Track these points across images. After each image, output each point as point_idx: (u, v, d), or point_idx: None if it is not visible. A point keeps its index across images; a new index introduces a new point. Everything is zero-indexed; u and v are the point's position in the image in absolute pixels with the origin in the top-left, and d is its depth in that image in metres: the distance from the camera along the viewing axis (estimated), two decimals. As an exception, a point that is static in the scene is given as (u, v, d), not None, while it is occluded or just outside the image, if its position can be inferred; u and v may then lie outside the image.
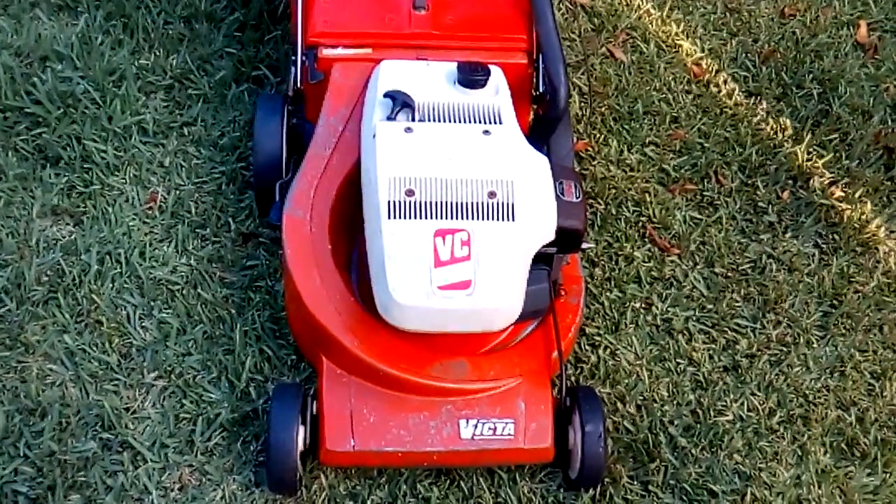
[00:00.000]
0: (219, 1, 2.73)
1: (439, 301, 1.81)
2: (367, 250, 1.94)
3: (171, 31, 2.68)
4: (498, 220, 1.86)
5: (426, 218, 1.85)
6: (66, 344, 2.11)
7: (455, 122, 1.99)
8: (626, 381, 2.20)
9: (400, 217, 1.84)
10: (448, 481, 2.03)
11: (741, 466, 2.09)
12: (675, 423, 2.14)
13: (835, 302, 2.39)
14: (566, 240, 2.00)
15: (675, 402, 2.18)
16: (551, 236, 1.96)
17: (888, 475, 2.11)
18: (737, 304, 2.35)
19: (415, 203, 1.86)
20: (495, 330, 1.90)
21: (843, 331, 2.34)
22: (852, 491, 2.08)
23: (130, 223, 2.34)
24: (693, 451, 2.10)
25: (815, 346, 2.31)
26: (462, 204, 1.87)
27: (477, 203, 1.87)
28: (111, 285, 2.23)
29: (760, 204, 2.56)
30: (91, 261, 2.25)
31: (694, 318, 2.32)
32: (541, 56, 2.22)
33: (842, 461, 2.13)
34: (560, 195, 1.99)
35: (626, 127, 2.68)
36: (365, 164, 1.99)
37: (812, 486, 2.07)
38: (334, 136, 2.13)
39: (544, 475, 2.04)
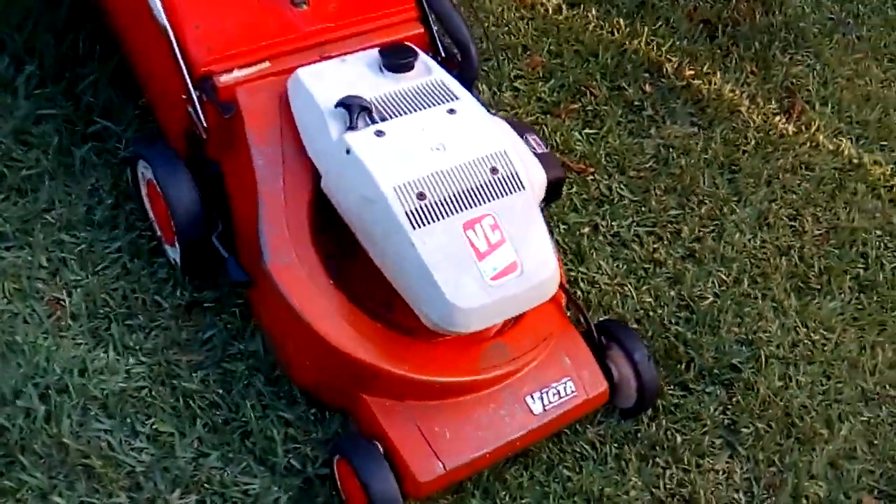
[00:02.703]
0: (-2, 60, 2.30)
1: (497, 292, 1.73)
2: (387, 271, 1.79)
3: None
4: (510, 193, 1.80)
5: (448, 215, 1.74)
6: (58, 508, 1.75)
7: (413, 111, 1.87)
8: (616, 301, 2.27)
9: (425, 224, 1.72)
10: (524, 464, 1.97)
11: (741, 336, 2.26)
12: (674, 321, 2.26)
13: (733, 168, 2.62)
14: (552, 190, 2.00)
15: (663, 304, 2.30)
16: (544, 191, 1.95)
17: (843, 293, 2.42)
18: (662, 199, 2.50)
19: (430, 205, 1.74)
20: (546, 300, 1.87)
21: (752, 189, 2.59)
22: (827, 317, 2.34)
23: (46, 345, 1.94)
24: (701, 340, 2.23)
25: (737, 210, 2.53)
26: (471, 189, 1.78)
27: (484, 183, 1.79)
28: (69, 420, 1.84)
29: (635, 103, 2.71)
30: (30, 403, 1.85)
31: (636, 224, 2.44)
32: (432, 19, 2.14)
33: (805, 297, 2.38)
34: (534, 150, 1.98)
35: (486, 68, 2.68)
36: (341, 185, 1.81)
37: (798, 328, 2.31)
38: (278, 165, 1.91)
39: (600, 417, 2.07)
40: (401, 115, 1.84)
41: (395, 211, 1.71)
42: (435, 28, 2.14)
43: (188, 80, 1.92)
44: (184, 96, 1.95)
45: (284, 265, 1.84)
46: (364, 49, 2.02)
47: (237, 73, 1.95)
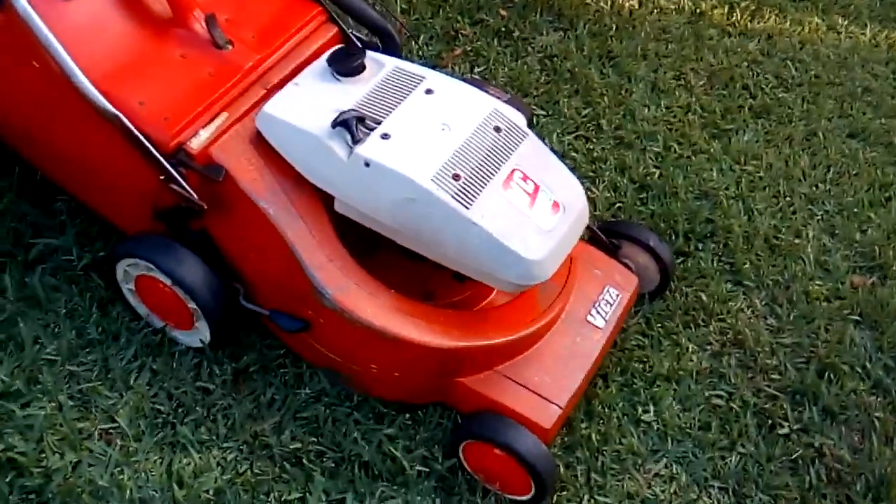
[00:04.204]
0: None
1: (556, 234, 1.83)
2: (448, 259, 1.84)
3: None
4: (519, 143, 1.88)
5: (486, 184, 1.81)
6: None
7: (397, 104, 1.89)
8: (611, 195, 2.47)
9: (473, 200, 1.77)
10: (601, 378, 2.11)
11: (698, 192, 2.51)
12: (640, 202, 2.47)
13: (610, 55, 2.84)
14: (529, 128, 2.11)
15: (623, 193, 2.48)
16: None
17: (748, 124, 2.72)
18: (571, 104, 2.67)
19: (467, 181, 1.79)
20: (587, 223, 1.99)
21: (634, 67, 2.82)
22: (748, 148, 2.64)
23: (126, 475, 1.82)
24: (671, 209, 2.45)
25: (633, 90, 2.75)
26: (489, 153, 1.84)
27: (496, 143, 1.86)
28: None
29: (501, 29, 2.85)
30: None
31: (563, 134, 2.60)
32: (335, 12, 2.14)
33: (723, 139, 2.66)
34: (500, 98, 2.06)
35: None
36: (368, 198, 1.82)
37: (733, 167, 2.60)
38: (290, 207, 1.87)
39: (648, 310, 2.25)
40: (388, 112, 1.86)
41: (444, 199, 1.76)
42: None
43: (161, 160, 1.82)
44: (161, 177, 1.85)
45: (348, 294, 1.83)
46: (299, 65, 2.00)
47: (203, 134, 1.87)
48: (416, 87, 1.92)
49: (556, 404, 1.94)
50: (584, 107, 2.69)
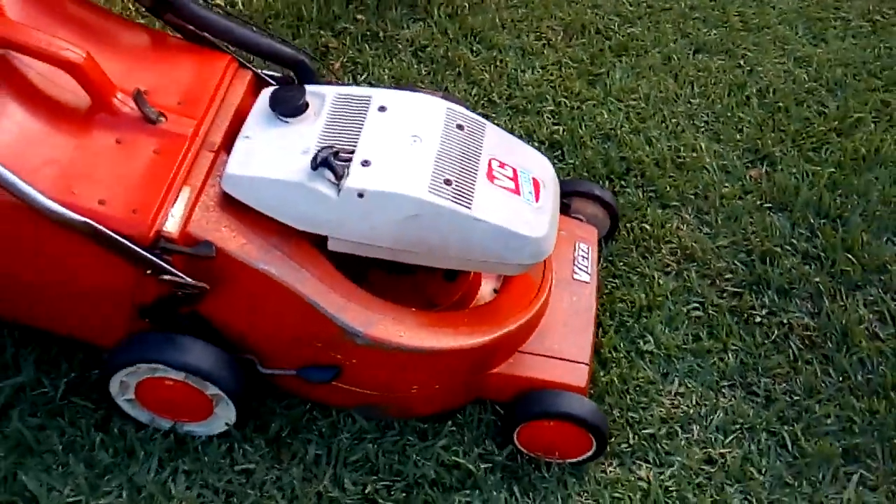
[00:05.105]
0: None
1: (547, 209, 1.91)
2: (458, 260, 1.86)
3: None
4: (482, 133, 1.94)
5: (474, 180, 1.84)
6: None
7: (358, 130, 1.86)
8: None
9: (469, 199, 1.80)
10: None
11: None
12: (593, 140, 2.61)
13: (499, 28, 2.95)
14: None
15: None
16: None
17: (659, 32, 2.96)
18: (461, 89, 2.76)
19: (458, 183, 1.82)
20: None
21: (520, 25, 2.95)
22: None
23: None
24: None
25: (571, 53, 2.90)
26: (464, 152, 1.88)
27: (465, 141, 1.89)
28: None
29: (366, 33, 2.86)
30: None
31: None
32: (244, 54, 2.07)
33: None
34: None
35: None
36: (364, 227, 1.80)
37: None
38: (288, 260, 1.80)
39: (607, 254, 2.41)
40: (354, 139, 1.84)
41: (447, 206, 1.78)
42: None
43: (145, 254, 1.70)
44: (147, 272, 1.73)
45: (377, 326, 1.82)
46: (232, 119, 1.93)
47: (175, 214, 1.76)
48: (367, 107, 1.91)
49: (582, 362, 2.04)
50: (471, 87, 2.77)
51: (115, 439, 1.90)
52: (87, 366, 1.98)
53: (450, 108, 1.94)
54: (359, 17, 2.88)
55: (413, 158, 1.84)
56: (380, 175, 1.80)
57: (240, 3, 2.85)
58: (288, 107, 1.90)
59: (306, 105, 1.91)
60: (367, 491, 1.90)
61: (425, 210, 1.79)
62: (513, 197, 1.89)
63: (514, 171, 1.94)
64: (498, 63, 2.85)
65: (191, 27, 2.03)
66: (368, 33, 2.87)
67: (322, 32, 2.82)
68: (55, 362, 1.98)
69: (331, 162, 1.78)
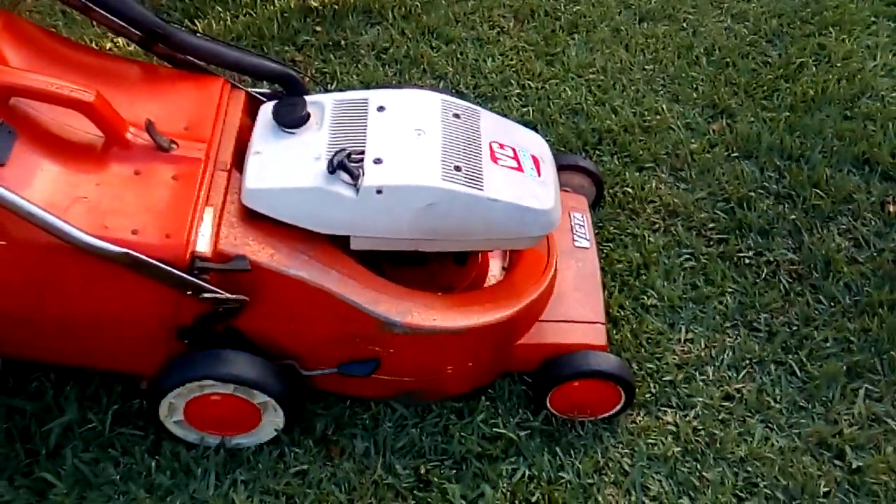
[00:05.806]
0: None
1: (549, 182, 2.01)
2: (476, 242, 1.97)
3: None
4: (478, 118, 2.04)
5: (481, 164, 1.94)
6: None
7: (364, 132, 1.93)
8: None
9: (481, 182, 1.90)
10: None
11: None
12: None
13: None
14: None
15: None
16: None
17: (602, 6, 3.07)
18: (424, 82, 2.84)
19: (467, 169, 1.91)
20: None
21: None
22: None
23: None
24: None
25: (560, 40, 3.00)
26: (466, 138, 1.97)
27: (465, 128, 1.99)
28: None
29: (329, 44, 2.92)
30: None
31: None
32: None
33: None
34: None
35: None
36: (387, 221, 1.88)
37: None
38: (318, 262, 1.87)
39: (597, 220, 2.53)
40: (362, 140, 1.92)
41: (462, 191, 1.87)
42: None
43: (185, 276, 1.75)
44: (188, 293, 1.78)
45: (412, 314, 1.90)
46: (238, 138, 1.99)
47: (204, 234, 1.82)
48: (366, 109, 2.00)
49: (598, 322, 2.16)
50: (438, 81, 2.87)
51: (169, 461, 1.95)
52: (128, 396, 2.03)
53: (444, 100, 2.04)
54: (317, 28, 2.95)
55: (421, 151, 1.92)
56: (394, 170, 1.88)
57: (200, 28, 2.90)
58: (292, 118, 1.97)
59: (308, 115, 1.99)
60: (420, 472, 1.99)
61: (442, 197, 1.88)
62: (518, 175, 1.99)
63: (514, 150, 2.04)
64: (458, 56, 2.95)
65: (181, 55, 2.09)
66: (330, 43, 2.94)
67: (286, 48, 2.88)
68: (96, 397, 2.02)
69: (346, 164, 1.86)
